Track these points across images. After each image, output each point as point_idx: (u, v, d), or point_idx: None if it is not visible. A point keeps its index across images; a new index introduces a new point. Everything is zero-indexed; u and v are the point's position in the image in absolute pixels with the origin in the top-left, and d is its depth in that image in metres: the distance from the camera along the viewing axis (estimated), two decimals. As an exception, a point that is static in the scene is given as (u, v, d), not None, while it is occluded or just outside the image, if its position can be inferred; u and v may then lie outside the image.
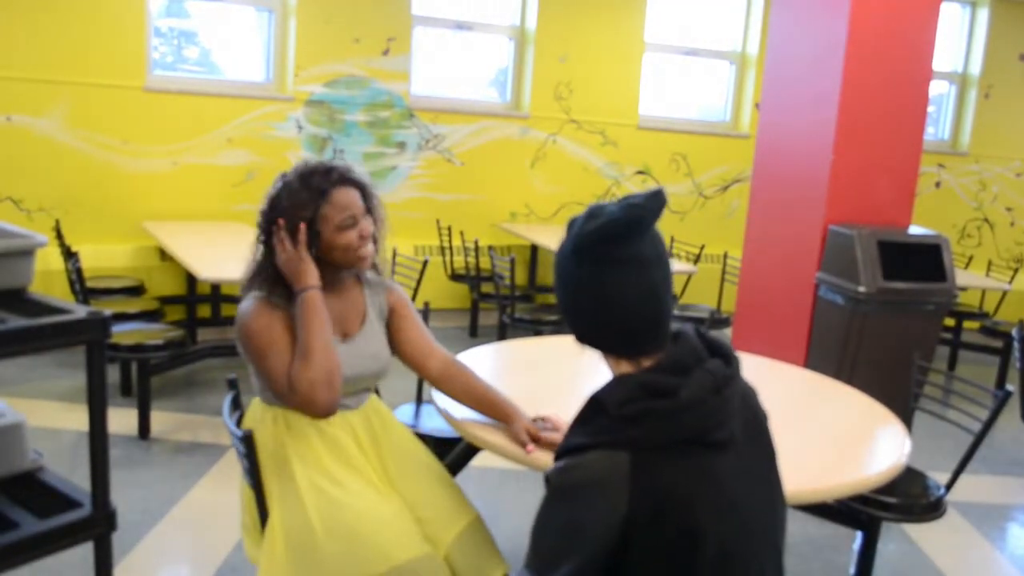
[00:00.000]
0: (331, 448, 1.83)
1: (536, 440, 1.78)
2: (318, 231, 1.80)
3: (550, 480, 1.18)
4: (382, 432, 1.94)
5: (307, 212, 1.79)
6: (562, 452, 1.20)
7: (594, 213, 1.22)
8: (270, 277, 1.83)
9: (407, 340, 1.98)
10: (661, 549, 1.13)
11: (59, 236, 4.55)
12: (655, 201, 1.20)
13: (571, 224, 1.26)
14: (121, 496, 2.13)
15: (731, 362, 1.24)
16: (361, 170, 1.93)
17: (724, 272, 5.47)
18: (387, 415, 2.00)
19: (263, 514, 1.80)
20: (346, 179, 1.85)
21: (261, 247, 1.87)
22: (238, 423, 1.95)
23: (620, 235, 1.19)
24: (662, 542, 1.13)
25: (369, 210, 1.88)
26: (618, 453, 1.13)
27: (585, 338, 1.28)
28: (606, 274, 1.20)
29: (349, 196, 1.83)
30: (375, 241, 1.91)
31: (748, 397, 1.30)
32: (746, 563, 1.20)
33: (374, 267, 1.97)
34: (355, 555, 1.66)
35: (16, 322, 1.82)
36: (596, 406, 1.19)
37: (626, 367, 1.23)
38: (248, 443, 1.78)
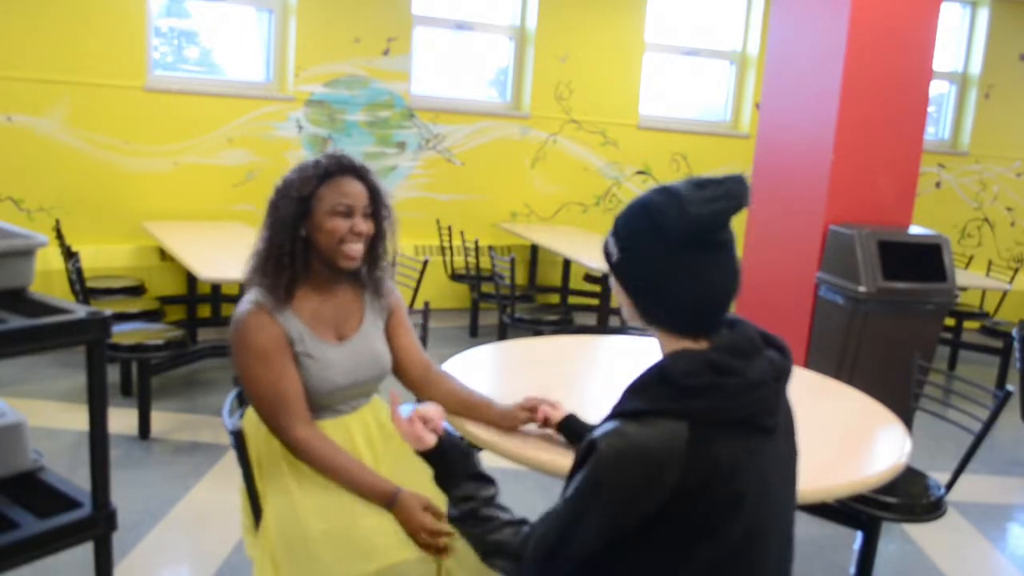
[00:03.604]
0: None
1: (532, 411, 1.80)
2: (312, 209, 1.77)
3: (598, 444, 1.18)
4: (379, 436, 1.92)
5: (308, 188, 1.77)
6: (616, 415, 1.21)
7: (706, 196, 1.20)
8: (273, 264, 1.78)
9: (399, 347, 1.97)
10: (696, 519, 1.17)
11: (59, 236, 4.55)
12: (744, 184, 1.22)
13: (657, 208, 1.22)
14: (121, 496, 2.13)
15: (787, 355, 1.29)
16: (382, 181, 1.90)
17: (724, 272, 5.46)
18: (386, 418, 1.98)
19: (256, 510, 1.80)
20: (357, 172, 1.82)
21: (266, 232, 1.82)
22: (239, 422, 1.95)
23: (727, 220, 1.23)
24: (698, 512, 1.16)
25: (373, 214, 1.84)
26: (679, 423, 1.15)
27: (656, 317, 1.27)
28: (710, 256, 1.23)
29: (353, 187, 1.80)
30: (376, 248, 1.88)
31: (785, 395, 1.34)
32: (764, 550, 1.24)
33: (376, 273, 1.92)
34: (346, 554, 1.66)
35: (17, 322, 1.82)
36: (661, 375, 1.20)
37: (686, 345, 1.25)
38: (239, 439, 1.79)
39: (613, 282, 1.31)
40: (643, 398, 1.19)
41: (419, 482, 1.81)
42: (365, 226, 1.81)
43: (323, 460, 1.71)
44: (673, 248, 1.21)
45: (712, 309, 1.24)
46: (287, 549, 1.70)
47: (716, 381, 1.17)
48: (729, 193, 1.20)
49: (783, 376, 1.26)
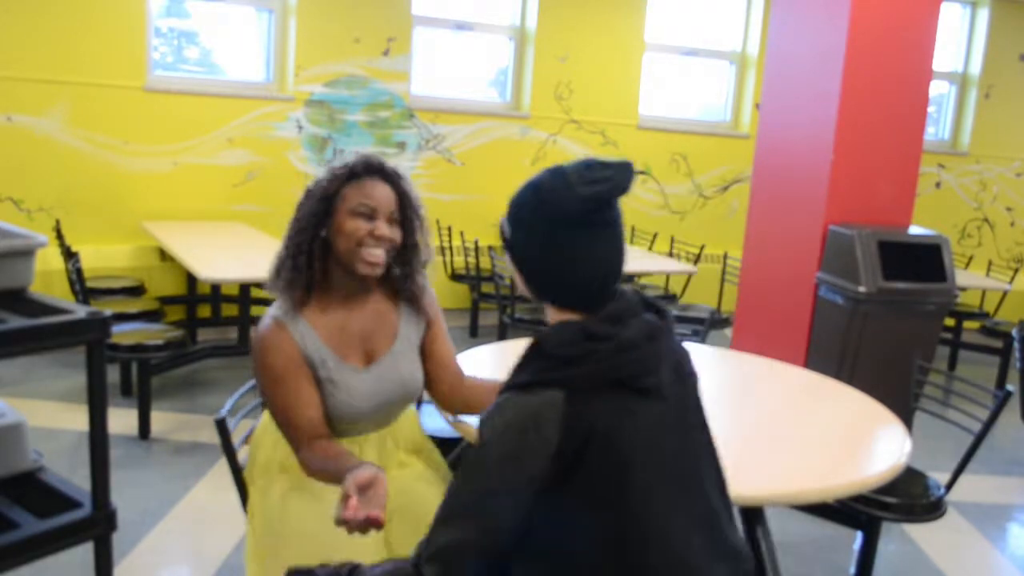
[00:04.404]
0: None
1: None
2: (334, 209, 1.68)
3: (485, 422, 1.23)
4: (393, 461, 1.83)
5: (333, 187, 1.69)
6: (503, 390, 1.26)
7: (592, 178, 1.25)
8: (290, 266, 1.70)
9: (435, 361, 1.86)
10: (592, 483, 1.19)
11: (59, 236, 4.55)
12: (630, 169, 1.27)
13: (546, 188, 1.29)
14: (121, 496, 2.13)
15: (664, 316, 1.33)
16: (416, 189, 1.78)
17: (724, 272, 5.47)
18: (406, 441, 1.89)
19: (243, 498, 1.81)
20: (386, 175, 1.72)
21: (287, 232, 1.73)
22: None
23: (611, 201, 1.27)
24: (592, 476, 1.19)
25: (403, 221, 1.73)
26: (554, 391, 1.19)
27: (545, 292, 1.32)
28: (595, 234, 1.27)
29: (379, 190, 1.70)
30: (409, 259, 1.77)
31: (681, 358, 1.36)
32: (675, 509, 1.25)
33: (410, 286, 1.81)
34: (315, 555, 1.64)
35: (17, 322, 1.82)
36: (536, 348, 1.26)
37: (571, 317, 1.29)
38: (222, 427, 1.82)
39: (507, 258, 1.35)
40: (523, 372, 1.25)
41: (423, 512, 1.71)
42: (388, 231, 1.69)
43: (321, 475, 1.61)
44: (559, 226, 1.26)
45: (598, 285, 1.28)
46: (264, 542, 1.71)
47: (589, 348, 1.22)
48: (614, 177, 1.25)
49: (658, 335, 1.28)
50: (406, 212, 1.74)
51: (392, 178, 1.73)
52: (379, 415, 1.79)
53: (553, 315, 1.32)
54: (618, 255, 1.29)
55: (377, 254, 1.68)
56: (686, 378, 1.35)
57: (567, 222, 1.26)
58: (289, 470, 1.76)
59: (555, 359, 1.22)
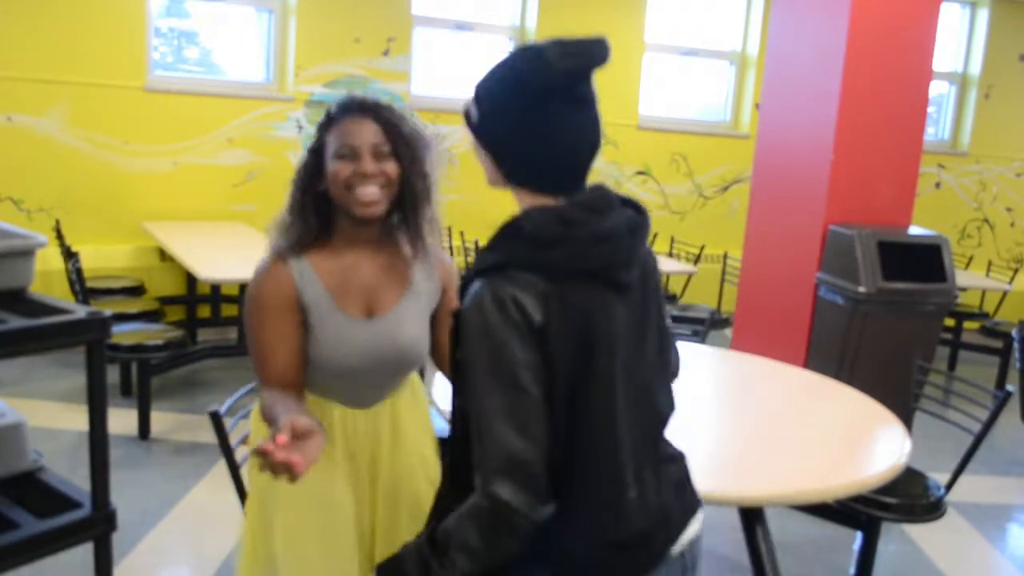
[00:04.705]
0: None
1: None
2: (324, 159, 1.59)
3: (467, 318, 1.19)
4: (390, 439, 1.68)
5: (318, 140, 1.61)
6: (472, 276, 1.22)
7: (567, 51, 1.20)
8: (288, 220, 1.62)
9: (444, 331, 1.66)
10: (560, 366, 1.16)
11: (59, 236, 4.55)
12: (606, 45, 1.22)
13: (520, 66, 1.23)
14: (121, 496, 2.13)
15: (643, 214, 1.30)
16: (404, 110, 1.63)
17: (724, 272, 5.47)
18: (405, 423, 1.72)
19: (242, 497, 1.80)
20: (365, 110, 1.59)
21: (290, 193, 1.63)
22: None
23: (588, 73, 1.23)
24: (566, 357, 1.16)
25: (395, 155, 1.58)
26: (531, 275, 1.17)
27: (517, 176, 1.27)
28: (569, 110, 1.23)
29: (358, 127, 1.57)
30: (412, 197, 1.61)
31: (649, 261, 1.33)
32: (629, 406, 1.23)
33: (413, 229, 1.64)
34: (308, 519, 1.61)
35: (17, 322, 1.82)
36: (513, 229, 1.22)
37: (544, 201, 1.25)
38: (217, 422, 1.82)
39: (474, 145, 1.29)
40: (499, 252, 1.21)
41: (420, 494, 1.69)
42: (374, 167, 1.56)
43: (269, 417, 1.50)
44: (534, 101, 1.21)
45: (571, 166, 1.25)
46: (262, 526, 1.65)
47: (567, 233, 1.19)
48: (590, 49, 1.21)
49: (638, 230, 1.26)
50: (396, 144, 1.58)
51: (373, 111, 1.59)
52: (374, 378, 1.64)
53: (526, 201, 1.27)
54: (595, 133, 1.25)
55: (370, 192, 1.56)
56: (652, 285, 1.33)
57: (544, 97, 1.21)
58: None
59: (532, 242, 1.19)
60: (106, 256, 5.10)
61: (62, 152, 5.07)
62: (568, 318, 1.17)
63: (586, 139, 1.25)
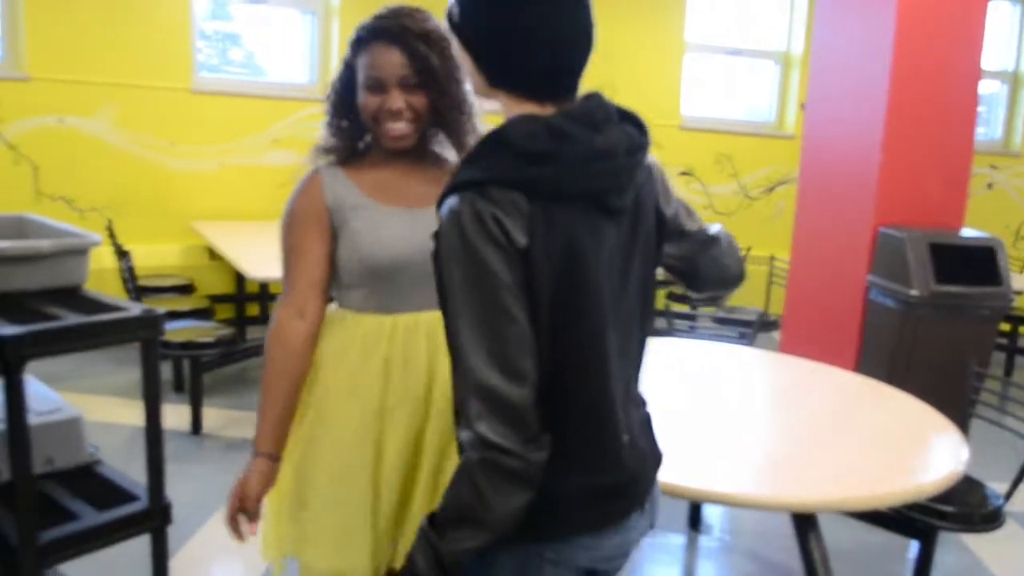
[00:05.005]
0: (357, 371, 1.57)
1: None
2: (356, 81, 1.54)
3: (442, 228, 1.08)
4: (424, 366, 1.56)
5: (349, 55, 1.56)
6: (451, 190, 1.10)
7: None
8: (326, 136, 1.61)
9: None
10: (552, 289, 1.07)
11: (112, 235, 4.65)
12: None
13: None
14: (174, 490, 2.16)
15: (644, 131, 1.18)
16: (434, 28, 1.51)
17: (771, 274, 5.39)
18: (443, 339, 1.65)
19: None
20: (393, 37, 1.49)
21: (327, 108, 1.61)
22: None
23: None
24: (553, 281, 1.07)
25: (423, 85, 1.51)
26: (515, 194, 1.05)
27: (501, 78, 1.15)
28: (556, 5, 1.11)
29: (385, 57, 1.49)
30: (444, 119, 1.57)
31: (648, 185, 1.22)
32: (614, 344, 1.16)
33: (460, 146, 1.59)
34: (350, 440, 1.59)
35: (74, 319, 1.86)
36: (497, 140, 1.10)
37: (530, 109, 1.13)
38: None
39: (457, 48, 1.18)
40: (479, 166, 1.09)
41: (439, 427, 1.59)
42: (400, 101, 1.50)
43: (269, 364, 1.59)
44: None
45: (561, 66, 1.13)
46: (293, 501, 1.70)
47: (557, 149, 1.07)
48: None
49: (637, 151, 1.15)
50: (424, 75, 1.50)
51: (400, 38, 1.49)
52: (415, 270, 1.52)
53: (512, 108, 1.14)
54: (585, 34, 1.13)
55: (398, 128, 1.52)
56: (644, 208, 1.21)
57: None
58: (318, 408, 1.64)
59: (518, 155, 1.07)
60: (156, 255, 5.20)
61: (111, 153, 5.18)
62: (554, 243, 1.06)
63: (572, 40, 1.12)
